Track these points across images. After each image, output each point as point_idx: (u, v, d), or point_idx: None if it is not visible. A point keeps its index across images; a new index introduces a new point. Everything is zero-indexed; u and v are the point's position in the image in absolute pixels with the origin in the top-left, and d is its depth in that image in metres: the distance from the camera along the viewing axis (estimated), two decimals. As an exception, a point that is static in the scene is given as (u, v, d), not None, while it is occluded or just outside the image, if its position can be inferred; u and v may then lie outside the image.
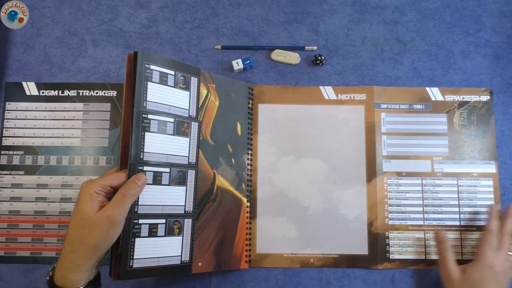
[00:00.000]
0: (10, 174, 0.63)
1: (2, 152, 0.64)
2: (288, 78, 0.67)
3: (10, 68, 0.66)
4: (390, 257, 0.60)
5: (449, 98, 0.64)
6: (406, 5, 0.69)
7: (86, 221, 0.44)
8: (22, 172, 0.63)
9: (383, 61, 0.67)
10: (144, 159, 0.50)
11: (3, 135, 0.64)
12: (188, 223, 0.55)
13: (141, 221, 0.50)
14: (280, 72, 0.67)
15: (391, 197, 0.61)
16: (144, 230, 0.50)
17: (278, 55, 0.66)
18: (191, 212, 0.55)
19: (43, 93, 0.66)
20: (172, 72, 0.55)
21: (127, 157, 0.49)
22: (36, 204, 0.62)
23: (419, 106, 0.64)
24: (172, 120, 0.54)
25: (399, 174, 0.61)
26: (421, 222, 0.61)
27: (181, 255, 0.54)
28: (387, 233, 0.61)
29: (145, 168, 0.50)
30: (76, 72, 0.67)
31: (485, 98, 0.64)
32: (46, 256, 0.61)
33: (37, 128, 0.65)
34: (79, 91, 0.66)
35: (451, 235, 0.60)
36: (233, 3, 0.69)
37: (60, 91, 0.66)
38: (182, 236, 0.54)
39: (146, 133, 0.51)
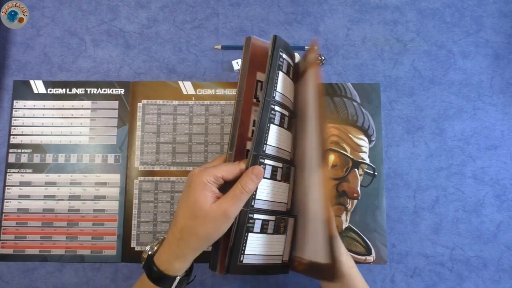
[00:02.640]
0: (18, 172, 0.63)
1: (10, 150, 0.64)
2: (288, 78, 0.67)
3: (10, 68, 0.66)
4: None
5: None
6: (406, 5, 0.69)
7: (200, 212, 0.43)
8: (30, 170, 0.63)
9: (383, 61, 0.67)
10: (266, 152, 0.48)
11: (11, 134, 0.64)
12: (291, 222, 0.52)
13: (256, 215, 0.47)
14: (280, 72, 0.67)
15: None
16: (257, 226, 0.48)
17: (278, 55, 0.66)
18: (289, 209, 0.53)
19: (50, 91, 0.66)
20: (292, 63, 0.51)
21: (243, 148, 0.47)
22: (45, 202, 0.63)
23: None
24: (287, 114, 0.50)
25: None
26: None
27: (282, 255, 0.51)
28: None
29: (266, 161, 0.48)
30: (76, 72, 0.67)
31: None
32: (55, 254, 0.61)
33: (45, 126, 0.65)
34: (86, 89, 0.66)
35: None
36: (233, 3, 0.69)
37: (67, 89, 0.66)
38: (286, 235, 0.51)
39: (271, 125, 0.48)
